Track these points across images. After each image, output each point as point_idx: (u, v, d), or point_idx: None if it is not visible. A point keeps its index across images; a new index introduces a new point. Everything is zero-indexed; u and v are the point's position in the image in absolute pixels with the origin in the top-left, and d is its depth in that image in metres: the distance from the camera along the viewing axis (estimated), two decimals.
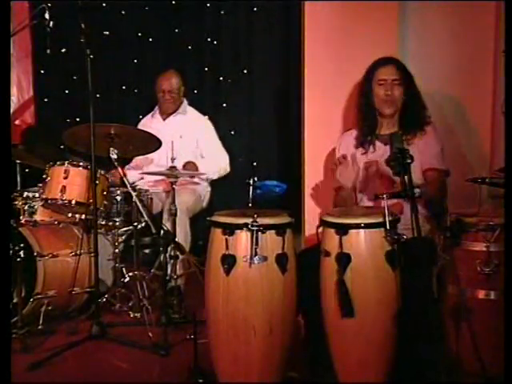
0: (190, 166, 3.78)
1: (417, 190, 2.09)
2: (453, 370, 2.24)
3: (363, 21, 3.25)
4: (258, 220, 2.19)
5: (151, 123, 4.08)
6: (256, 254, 2.18)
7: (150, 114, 4.19)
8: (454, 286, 2.29)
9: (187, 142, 3.93)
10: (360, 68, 2.89)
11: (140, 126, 4.07)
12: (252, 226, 2.18)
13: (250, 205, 2.42)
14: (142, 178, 3.85)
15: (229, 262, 2.21)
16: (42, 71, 4.85)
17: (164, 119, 4.10)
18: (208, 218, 2.35)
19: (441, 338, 2.20)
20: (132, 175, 3.67)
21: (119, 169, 3.16)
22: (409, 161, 2.10)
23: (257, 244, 2.18)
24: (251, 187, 2.47)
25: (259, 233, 2.19)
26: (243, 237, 2.21)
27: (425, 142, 2.72)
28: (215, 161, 3.99)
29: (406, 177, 2.09)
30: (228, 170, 4.07)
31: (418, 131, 2.74)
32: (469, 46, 3.28)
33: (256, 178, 2.49)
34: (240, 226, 2.21)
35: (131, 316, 3.31)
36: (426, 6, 3.29)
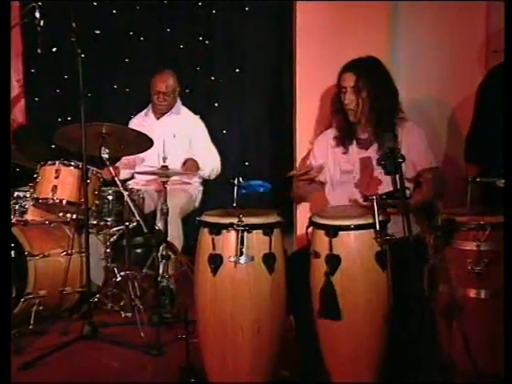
0: (190, 163, 3.76)
1: (408, 191, 2.09)
2: (445, 369, 2.24)
3: (355, 21, 3.26)
4: (243, 220, 2.17)
5: (144, 121, 4.07)
6: (242, 254, 2.17)
7: (143, 112, 4.17)
8: (445, 285, 2.29)
9: (180, 142, 3.93)
10: None
11: (132, 124, 4.06)
12: (237, 225, 2.17)
13: (235, 205, 2.41)
14: (133, 178, 3.83)
15: (216, 261, 2.20)
16: (33, 70, 4.81)
17: (158, 118, 4.09)
18: (197, 218, 2.34)
19: (432, 336, 2.20)
20: (123, 174, 3.66)
21: (110, 168, 3.16)
22: (400, 160, 2.09)
23: (242, 244, 2.17)
24: (236, 187, 2.45)
25: (245, 232, 2.17)
26: (230, 236, 2.20)
27: (409, 140, 2.63)
28: (207, 162, 3.98)
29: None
30: (219, 171, 4.07)
31: (398, 132, 2.59)
32: (461, 47, 3.29)
33: (241, 178, 2.47)
34: (226, 226, 2.20)
35: (123, 316, 3.30)
36: (418, 7, 3.30)
